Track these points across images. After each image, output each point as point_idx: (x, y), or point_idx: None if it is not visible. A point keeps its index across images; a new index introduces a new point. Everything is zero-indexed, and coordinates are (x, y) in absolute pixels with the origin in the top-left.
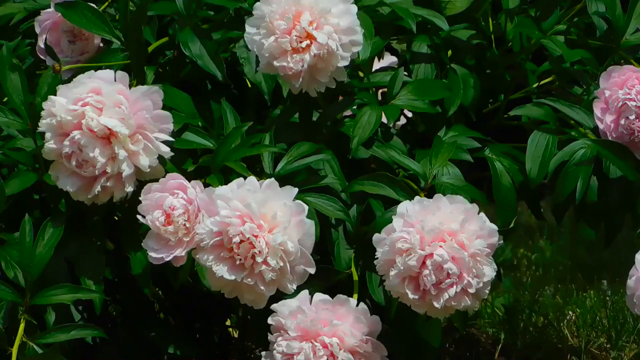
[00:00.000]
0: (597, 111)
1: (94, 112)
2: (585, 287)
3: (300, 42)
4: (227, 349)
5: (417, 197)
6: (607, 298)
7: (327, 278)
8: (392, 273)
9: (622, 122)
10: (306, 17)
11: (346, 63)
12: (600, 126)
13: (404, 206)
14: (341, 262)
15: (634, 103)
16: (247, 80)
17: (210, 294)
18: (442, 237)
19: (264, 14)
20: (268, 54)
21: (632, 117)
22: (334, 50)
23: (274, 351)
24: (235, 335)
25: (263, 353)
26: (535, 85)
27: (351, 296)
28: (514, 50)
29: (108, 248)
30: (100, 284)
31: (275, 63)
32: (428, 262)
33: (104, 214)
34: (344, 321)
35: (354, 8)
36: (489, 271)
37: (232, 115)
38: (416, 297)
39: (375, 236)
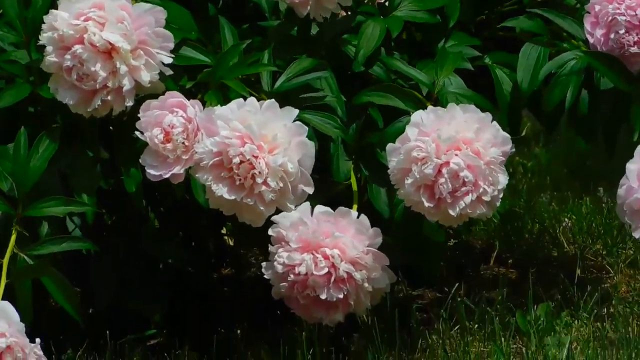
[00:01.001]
0: (587, 25)
1: (96, 27)
2: (581, 194)
3: None
4: (223, 257)
5: (430, 107)
6: (603, 205)
7: (327, 189)
8: (407, 181)
9: (612, 36)
10: None
11: None
12: (591, 40)
13: (419, 115)
14: (340, 173)
15: (623, 17)
16: None
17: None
18: (458, 146)
19: None
20: None
21: (622, 31)
22: None
23: (275, 262)
24: (231, 243)
25: (264, 264)
26: None
27: (349, 207)
28: None
29: (102, 157)
30: (93, 195)
31: None
32: (444, 170)
33: (99, 125)
34: (345, 233)
35: None
36: (503, 179)
37: (230, 30)
38: (431, 205)
39: (389, 145)
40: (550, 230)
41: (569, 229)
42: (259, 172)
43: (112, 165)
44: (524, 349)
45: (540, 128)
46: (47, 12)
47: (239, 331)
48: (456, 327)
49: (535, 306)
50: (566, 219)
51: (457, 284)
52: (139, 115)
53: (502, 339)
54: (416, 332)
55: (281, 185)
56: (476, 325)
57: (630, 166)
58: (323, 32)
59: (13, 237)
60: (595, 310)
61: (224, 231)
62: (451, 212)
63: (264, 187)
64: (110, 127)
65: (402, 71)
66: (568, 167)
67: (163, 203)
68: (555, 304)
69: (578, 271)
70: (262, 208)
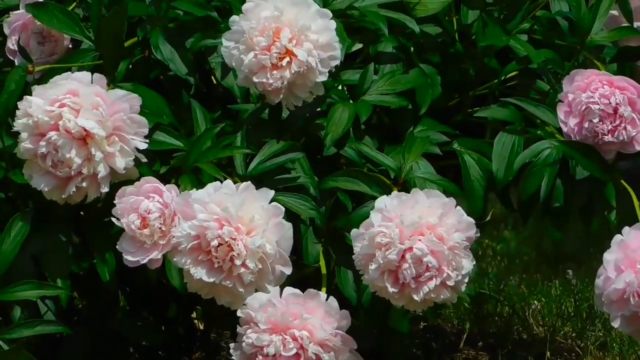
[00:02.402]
0: (560, 114)
1: (71, 113)
2: (550, 277)
3: (281, 59)
4: (193, 340)
5: (394, 192)
6: (573, 287)
7: (296, 271)
8: (371, 267)
9: (586, 125)
10: (286, 34)
11: (324, 78)
12: (564, 129)
13: (382, 201)
14: (309, 256)
15: (597, 106)
16: (212, 77)
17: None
18: (421, 231)
19: (242, 29)
20: (247, 69)
21: (596, 120)
22: (314, 67)
23: (243, 343)
24: (201, 327)
25: (232, 345)
26: (498, 81)
27: (318, 289)
28: (477, 45)
29: (74, 241)
30: (66, 279)
31: (255, 79)
32: (407, 255)
33: (70, 210)
34: (314, 315)
35: (333, 24)
36: (467, 264)
37: (202, 114)
38: (395, 290)
39: (354, 231)
40: (520, 313)
41: (539, 311)
42: (238, 254)
43: (84, 249)
44: None
45: (509, 212)
46: (19, 98)
47: None
48: None
49: None
50: (535, 302)
51: None
52: (114, 202)
53: None
54: None
55: (260, 266)
56: None
57: (607, 256)
58: (294, 115)
59: None
60: None
61: (194, 315)
62: (415, 297)
63: (242, 269)
64: (81, 212)
65: (369, 156)
66: (537, 249)
67: (132, 285)
68: None
69: (548, 353)
70: (241, 290)
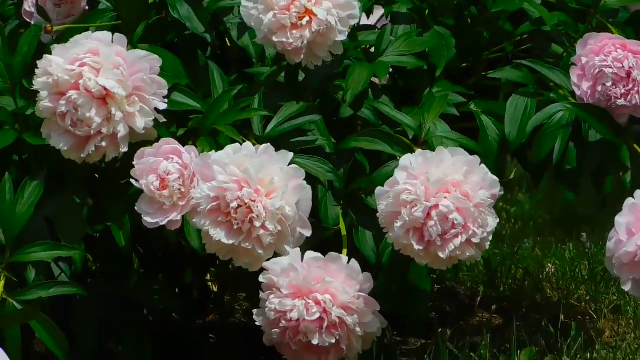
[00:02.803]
0: (574, 78)
1: (92, 73)
2: (564, 240)
3: (300, 18)
4: (207, 303)
5: (419, 150)
6: (587, 250)
7: (315, 235)
8: (397, 225)
9: (599, 89)
10: None
11: (344, 37)
12: (578, 92)
13: (407, 159)
14: (329, 218)
15: (610, 70)
16: (226, 39)
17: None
18: (447, 189)
19: None
20: (267, 29)
21: (609, 84)
22: (333, 26)
23: (267, 309)
24: (215, 289)
25: (255, 311)
26: (512, 42)
27: (338, 252)
28: (489, 11)
29: (88, 204)
30: (80, 242)
31: (274, 38)
32: (433, 213)
33: (85, 172)
34: (336, 278)
35: None
36: (492, 222)
37: (220, 76)
38: (421, 247)
39: (378, 189)
40: (534, 276)
41: (553, 275)
42: (257, 216)
43: (98, 211)
44: None
45: (524, 174)
46: (34, 59)
47: None
48: None
49: (519, 352)
50: (549, 265)
51: (440, 330)
52: (133, 162)
53: None
54: None
55: (279, 228)
56: None
57: (619, 219)
58: (310, 77)
59: (1, 283)
60: (579, 356)
61: (207, 277)
62: (440, 255)
63: (262, 231)
64: (96, 175)
65: (389, 115)
66: (551, 212)
67: (147, 248)
68: (538, 349)
69: (562, 317)
70: (260, 252)
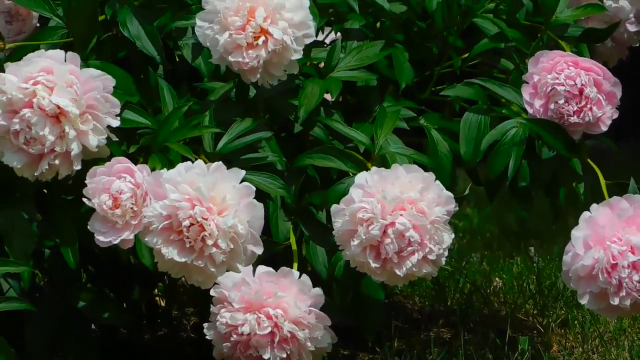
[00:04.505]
0: (526, 96)
1: (45, 91)
2: (512, 254)
3: (256, 38)
4: (155, 317)
5: (374, 168)
6: (535, 265)
7: (266, 249)
8: (353, 243)
9: (552, 106)
10: (261, 13)
11: (299, 56)
12: (530, 110)
13: (363, 177)
14: (279, 234)
15: (563, 88)
16: (175, 55)
17: (136, 265)
18: (403, 206)
19: (217, 9)
20: (223, 49)
21: (562, 101)
22: (289, 45)
23: (218, 322)
24: (162, 304)
25: (205, 325)
26: (468, 58)
27: (288, 267)
28: (437, 27)
29: (36, 219)
30: (29, 258)
31: (230, 58)
32: (390, 230)
33: (33, 188)
34: (288, 293)
35: (307, 2)
36: (448, 238)
37: (170, 93)
38: (378, 265)
39: (334, 207)
40: (482, 290)
41: (500, 289)
42: (210, 234)
43: (47, 227)
44: None
45: (471, 188)
46: None
47: None
48: None
49: None
50: (497, 279)
51: (389, 344)
52: (85, 181)
53: None
54: None
55: (232, 246)
56: None
57: (576, 233)
58: (261, 93)
59: None
60: None
61: (155, 292)
62: (397, 272)
63: (214, 249)
64: (44, 190)
65: (341, 132)
66: (499, 226)
67: (95, 264)
68: None
69: (509, 331)
70: (212, 269)
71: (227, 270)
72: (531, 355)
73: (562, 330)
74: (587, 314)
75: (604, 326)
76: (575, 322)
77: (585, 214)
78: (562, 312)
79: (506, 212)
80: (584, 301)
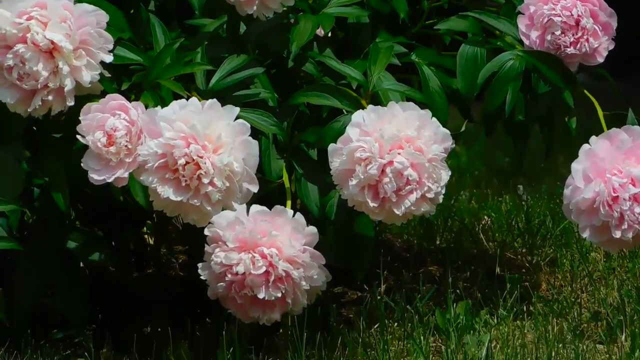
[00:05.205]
0: (522, 27)
1: (39, 26)
2: (501, 192)
3: None
4: (143, 256)
5: (370, 106)
6: (523, 203)
7: (259, 188)
8: (351, 183)
9: (548, 37)
10: None
11: None
12: (526, 42)
13: (360, 115)
14: (272, 172)
15: (559, 18)
16: None
17: (125, 203)
18: (400, 144)
19: None
20: None
21: (558, 32)
22: None
23: (212, 262)
24: (151, 242)
25: (199, 265)
26: None
27: (282, 205)
28: None
29: (25, 156)
30: (17, 197)
31: None
32: (388, 169)
33: (23, 126)
34: (282, 232)
35: None
36: (445, 175)
37: (161, 29)
38: (376, 204)
39: (331, 146)
40: (470, 228)
41: (489, 227)
42: (205, 172)
43: (36, 165)
44: (443, 348)
45: (460, 126)
46: None
47: (159, 330)
48: (376, 326)
49: (454, 304)
50: (486, 217)
51: (377, 283)
52: (79, 118)
53: (422, 338)
54: (336, 331)
55: (227, 184)
56: (395, 324)
57: (576, 166)
58: (251, 30)
59: None
60: (515, 309)
61: (144, 230)
62: (396, 211)
63: (210, 188)
64: (34, 128)
65: (335, 68)
66: (488, 164)
67: (84, 202)
68: (474, 302)
69: (497, 269)
70: (208, 208)
71: (223, 209)
72: (520, 294)
73: (551, 269)
74: (576, 253)
75: (593, 265)
76: (565, 261)
77: (585, 146)
78: (551, 251)
79: (495, 150)
80: (585, 234)
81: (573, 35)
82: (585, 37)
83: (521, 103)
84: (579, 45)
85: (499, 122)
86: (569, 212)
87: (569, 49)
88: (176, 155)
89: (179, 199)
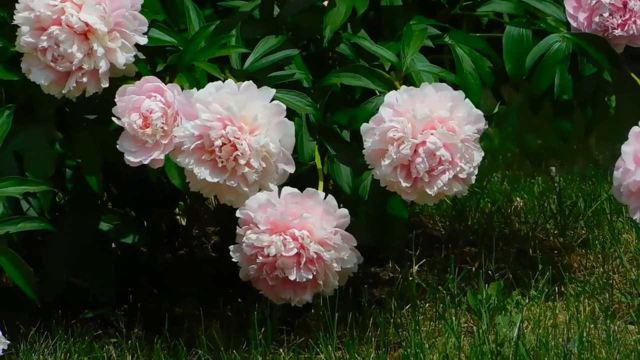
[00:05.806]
0: (569, 9)
1: (74, 9)
2: (533, 173)
3: None
4: (175, 237)
5: (404, 87)
6: (556, 185)
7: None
8: (384, 162)
9: (596, 19)
10: None
11: None
12: (574, 24)
13: (393, 96)
14: (304, 153)
15: (607, 0)
16: None
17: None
18: (433, 125)
19: None
20: None
21: (606, 14)
22: None
23: (243, 244)
24: (183, 223)
25: (231, 247)
26: None
27: (313, 187)
28: None
29: (57, 138)
30: (49, 179)
31: None
32: (421, 149)
33: (56, 107)
34: (313, 214)
35: None
36: (478, 156)
37: (195, 12)
38: (408, 184)
39: (364, 126)
40: (502, 210)
41: (521, 209)
42: (242, 154)
43: (69, 147)
44: (474, 328)
45: (492, 107)
46: None
47: (190, 310)
48: (407, 306)
49: (487, 285)
50: (518, 199)
51: (409, 263)
52: (115, 100)
53: (453, 318)
54: (367, 311)
55: (264, 165)
56: (427, 304)
57: (626, 148)
58: (285, 11)
59: None
60: (547, 290)
61: (176, 211)
62: (428, 191)
63: (247, 169)
64: (66, 109)
65: (368, 49)
66: (520, 146)
67: (116, 183)
68: (506, 283)
69: (529, 250)
70: (245, 189)
71: (260, 190)
72: (552, 275)
73: (583, 250)
74: (607, 234)
75: (625, 246)
76: (596, 242)
77: (635, 128)
78: (583, 232)
79: (527, 131)
80: (635, 216)
81: (621, 17)
82: (633, 19)
83: (568, 84)
84: (626, 27)
85: (543, 101)
86: (619, 194)
87: (616, 31)
88: (213, 137)
89: (215, 180)
